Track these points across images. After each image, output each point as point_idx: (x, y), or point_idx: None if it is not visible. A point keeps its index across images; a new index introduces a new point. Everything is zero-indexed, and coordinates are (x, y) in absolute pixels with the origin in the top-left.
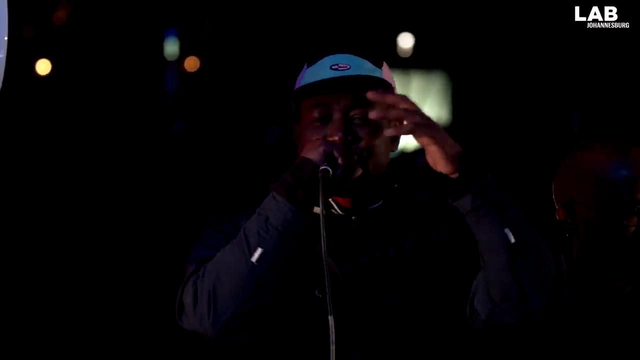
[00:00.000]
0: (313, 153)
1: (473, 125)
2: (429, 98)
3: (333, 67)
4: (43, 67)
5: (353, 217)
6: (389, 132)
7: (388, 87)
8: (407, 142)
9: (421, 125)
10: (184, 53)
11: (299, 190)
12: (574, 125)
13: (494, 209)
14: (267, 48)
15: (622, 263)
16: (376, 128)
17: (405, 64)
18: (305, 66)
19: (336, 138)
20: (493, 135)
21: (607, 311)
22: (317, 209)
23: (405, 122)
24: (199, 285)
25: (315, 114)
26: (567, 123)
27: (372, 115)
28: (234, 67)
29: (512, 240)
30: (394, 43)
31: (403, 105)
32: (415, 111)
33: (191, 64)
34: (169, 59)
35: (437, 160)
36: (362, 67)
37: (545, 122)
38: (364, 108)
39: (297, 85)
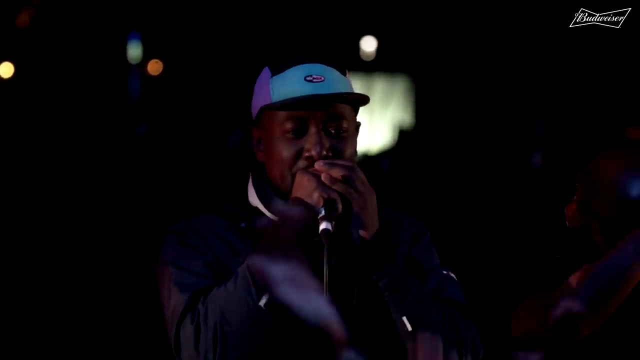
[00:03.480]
0: (308, 199)
1: (436, 128)
2: (392, 101)
3: (307, 78)
4: (6, 69)
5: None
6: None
7: (365, 100)
8: (370, 145)
9: (356, 193)
10: (146, 56)
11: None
12: (538, 128)
13: (392, 297)
14: (230, 51)
15: None
16: (349, 139)
17: (369, 67)
18: (269, 73)
19: (313, 153)
20: (456, 137)
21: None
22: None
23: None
24: (202, 323)
25: (289, 126)
26: (530, 126)
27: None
28: (196, 70)
29: (409, 328)
30: (357, 46)
31: (345, 172)
32: (357, 179)
33: (154, 67)
34: (132, 62)
35: (355, 232)
36: (335, 78)
37: (509, 125)
38: (339, 121)
39: (263, 94)
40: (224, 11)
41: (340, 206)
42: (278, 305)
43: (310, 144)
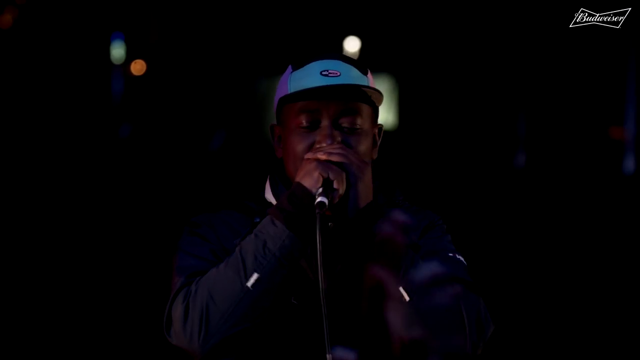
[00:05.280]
0: (308, 180)
1: (419, 128)
2: None
3: (323, 72)
4: None
5: (330, 223)
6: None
7: (377, 95)
8: None
9: (353, 161)
10: (130, 57)
11: (297, 217)
12: (520, 126)
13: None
14: (214, 52)
15: None
16: (363, 136)
17: None
18: (290, 69)
19: (324, 145)
20: (440, 137)
21: None
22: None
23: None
24: (191, 302)
25: (302, 120)
26: (512, 124)
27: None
28: (180, 70)
29: (407, 298)
30: (340, 47)
31: (340, 150)
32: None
33: (137, 67)
34: (115, 62)
35: (351, 201)
36: (351, 74)
37: (492, 125)
38: (352, 116)
39: (282, 88)
40: (207, 12)
41: (338, 186)
42: (265, 287)
43: (321, 137)
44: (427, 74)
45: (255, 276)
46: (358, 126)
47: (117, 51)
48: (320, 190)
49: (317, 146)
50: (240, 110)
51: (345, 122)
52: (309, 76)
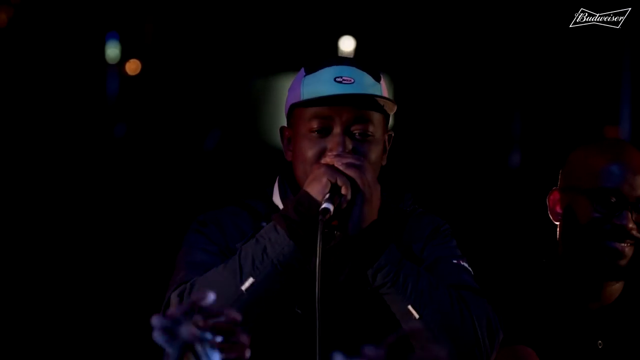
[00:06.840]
0: (316, 186)
1: (415, 128)
2: None
3: (337, 79)
4: None
5: (336, 232)
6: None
7: (390, 105)
8: None
9: (366, 181)
10: (125, 56)
11: (301, 227)
12: (515, 126)
13: (394, 287)
14: (209, 51)
15: (604, 259)
16: (374, 144)
17: None
18: (303, 72)
19: (335, 152)
20: (435, 137)
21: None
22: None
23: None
24: (185, 298)
25: (314, 125)
26: (507, 124)
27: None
28: (175, 70)
29: (416, 316)
30: (335, 46)
31: (355, 161)
32: (363, 167)
33: (132, 67)
34: (110, 62)
35: (354, 219)
36: (364, 82)
37: (487, 123)
38: (364, 124)
39: (295, 91)
40: (202, 11)
41: (346, 192)
42: (259, 292)
43: (333, 144)
44: (422, 73)
45: (250, 280)
46: (370, 134)
47: (112, 51)
48: (327, 196)
49: (329, 153)
50: (235, 110)
51: (357, 130)
52: (323, 82)
